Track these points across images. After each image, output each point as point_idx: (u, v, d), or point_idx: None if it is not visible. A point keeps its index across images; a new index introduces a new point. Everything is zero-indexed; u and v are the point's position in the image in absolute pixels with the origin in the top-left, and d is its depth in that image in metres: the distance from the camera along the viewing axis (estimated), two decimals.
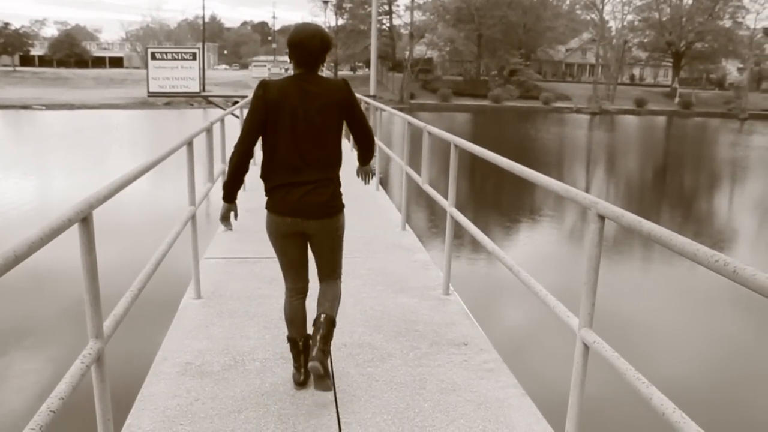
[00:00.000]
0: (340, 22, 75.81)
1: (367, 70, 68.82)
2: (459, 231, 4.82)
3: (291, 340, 3.55)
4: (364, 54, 65.52)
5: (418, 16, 72.14)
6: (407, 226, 7.26)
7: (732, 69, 78.67)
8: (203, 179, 5.81)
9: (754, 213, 19.45)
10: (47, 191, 17.70)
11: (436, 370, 3.80)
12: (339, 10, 74.34)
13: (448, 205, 4.98)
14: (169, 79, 20.21)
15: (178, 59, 20.42)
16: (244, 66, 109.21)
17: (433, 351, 4.05)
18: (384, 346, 4.10)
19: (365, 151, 3.60)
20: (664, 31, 70.91)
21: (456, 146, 4.81)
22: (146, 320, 6.04)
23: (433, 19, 71.23)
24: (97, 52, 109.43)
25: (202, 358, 3.88)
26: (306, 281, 3.57)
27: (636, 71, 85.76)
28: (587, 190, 21.43)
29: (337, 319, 4.41)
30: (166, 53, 20.78)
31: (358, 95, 13.40)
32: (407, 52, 69.01)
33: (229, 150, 7.44)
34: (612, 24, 74.39)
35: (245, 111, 10.29)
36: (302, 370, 3.53)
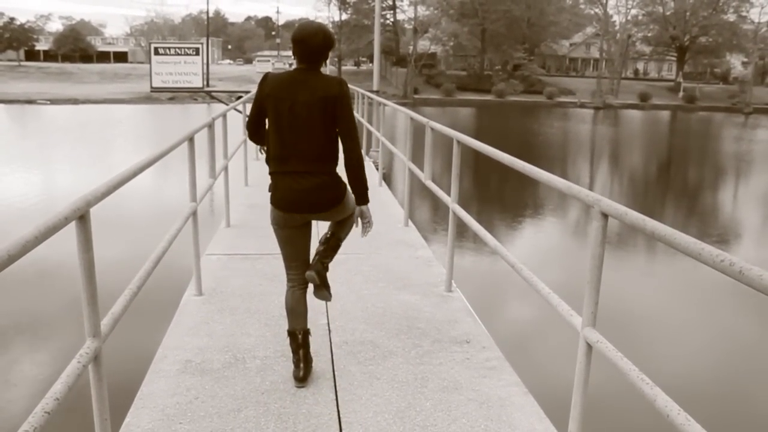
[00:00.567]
0: (344, 17, 75.70)
1: (370, 65, 68.67)
2: (463, 226, 4.78)
3: (290, 333, 3.57)
4: (368, 49, 65.44)
5: (421, 10, 71.93)
6: (410, 222, 7.23)
7: (736, 63, 78.43)
8: (206, 174, 5.78)
9: (758, 206, 19.37)
10: (52, 185, 17.71)
11: (438, 368, 3.77)
12: (342, 4, 74.21)
13: (450, 201, 4.94)
14: (172, 74, 20.14)
15: (181, 54, 20.33)
16: (248, 61, 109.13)
17: (435, 349, 4.02)
18: (386, 343, 4.07)
19: (350, 167, 3.38)
20: (668, 26, 70.66)
21: (458, 142, 4.77)
22: (148, 317, 6.02)
23: (436, 14, 71.01)
24: (102, 47, 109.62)
25: (202, 355, 3.86)
26: (304, 270, 3.59)
27: (640, 66, 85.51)
28: (591, 185, 21.39)
29: (339, 317, 4.43)
30: (169, 48, 20.69)
31: (361, 90, 13.36)
32: (411, 47, 68.83)
33: (231, 146, 7.40)
34: (616, 18, 74.34)
35: (248, 106, 10.20)
36: (301, 365, 3.52)
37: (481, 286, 9.03)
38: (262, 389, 3.47)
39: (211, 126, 5.61)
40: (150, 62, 20.50)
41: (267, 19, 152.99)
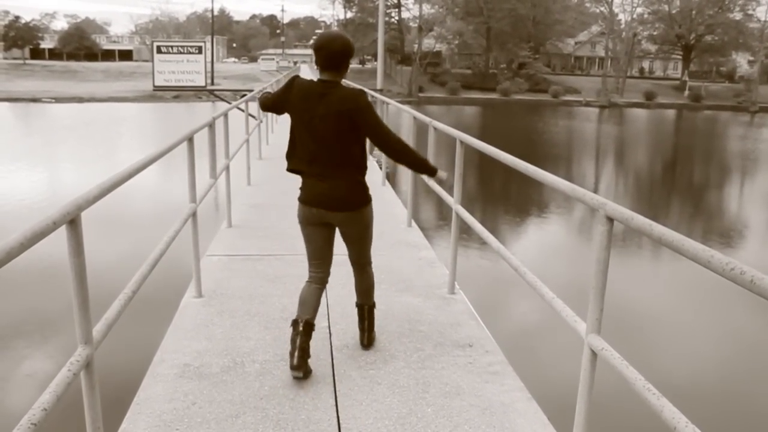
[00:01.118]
0: (349, 15, 75.65)
1: (375, 63, 68.57)
2: (468, 226, 4.70)
3: (293, 322, 3.61)
4: (373, 47, 65.28)
5: (426, 9, 71.90)
6: (413, 223, 7.17)
7: (742, 62, 78.11)
8: (207, 174, 5.72)
9: (764, 205, 19.26)
10: (57, 183, 17.71)
11: (440, 372, 3.71)
12: (347, 3, 74.26)
13: (453, 202, 4.88)
14: (174, 72, 20.12)
15: (183, 53, 20.31)
16: (253, 59, 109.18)
17: (437, 353, 3.96)
18: (387, 347, 4.01)
19: (407, 165, 3.68)
20: (674, 24, 70.43)
21: (462, 142, 4.70)
22: (148, 319, 5.98)
23: (441, 12, 70.91)
24: (107, 45, 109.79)
25: (201, 359, 3.80)
26: (327, 272, 3.82)
27: (645, 64, 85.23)
28: (596, 183, 21.29)
29: (340, 320, 4.37)
30: (171, 47, 20.68)
31: (365, 89, 13.30)
32: (416, 46, 68.73)
33: (233, 146, 7.34)
34: (621, 17, 74.14)
35: (251, 105, 10.10)
36: (295, 354, 3.51)
37: (485, 287, 8.96)
38: (260, 394, 3.41)
39: (211, 125, 5.55)
40: (153, 61, 20.50)
41: (272, 18, 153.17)
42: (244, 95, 15.81)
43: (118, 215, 13.16)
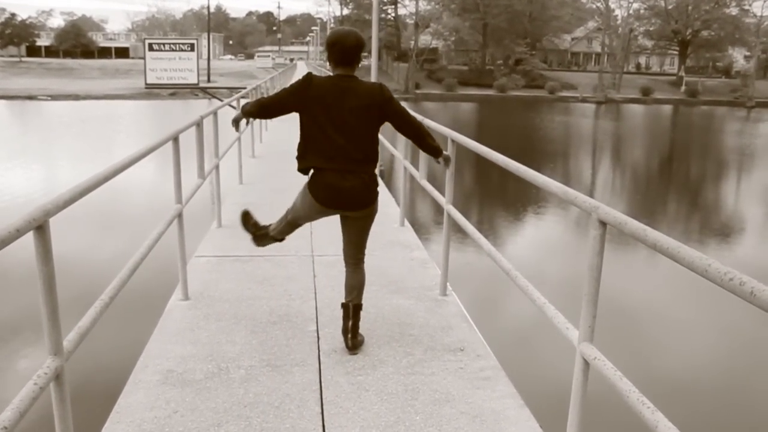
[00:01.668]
0: (345, 11, 75.44)
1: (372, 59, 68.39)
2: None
3: (263, 233, 4.13)
4: (369, 44, 64.99)
5: (423, 5, 71.64)
6: (406, 222, 7.07)
7: (739, 57, 78.03)
8: (197, 172, 5.62)
9: (759, 201, 19.19)
10: (53, 181, 17.59)
11: (430, 378, 3.61)
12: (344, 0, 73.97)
13: (445, 202, 4.78)
14: (166, 70, 20.03)
15: (176, 50, 20.21)
16: (250, 56, 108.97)
17: (427, 357, 3.86)
18: (376, 352, 3.91)
19: (424, 148, 3.91)
20: (670, 20, 70.34)
21: (453, 141, 4.60)
22: (136, 321, 5.88)
23: (438, 9, 70.73)
24: (103, 43, 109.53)
25: (184, 365, 3.70)
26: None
27: (642, 60, 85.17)
28: (592, 180, 21.21)
29: (329, 324, 4.28)
30: (163, 44, 20.60)
31: None
32: (412, 42, 68.55)
33: (222, 146, 7.23)
34: (618, 12, 73.88)
35: (242, 101, 9.98)
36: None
37: (478, 287, 8.85)
38: (245, 402, 3.31)
39: (199, 124, 5.44)
40: (144, 58, 20.40)
41: (268, 15, 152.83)
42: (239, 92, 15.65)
43: (107, 215, 13.06)
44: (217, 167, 6.61)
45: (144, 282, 6.70)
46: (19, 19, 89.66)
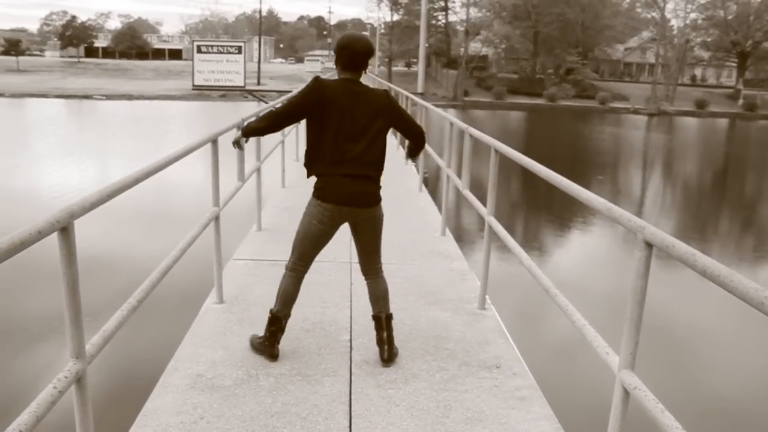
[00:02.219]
0: (395, 17, 75.57)
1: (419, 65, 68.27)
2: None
3: (275, 318, 3.74)
4: (419, 50, 65.10)
5: (474, 12, 71.33)
6: (447, 231, 6.94)
7: None
8: (237, 175, 5.60)
9: None
10: (105, 176, 17.98)
11: (463, 395, 3.49)
12: (394, 5, 74.11)
13: (486, 213, 4.66)
14: (214, 72, 20.24)
15: (223, 53, 20.40)
16: (300, 60, 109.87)
17: (461, 373, 3.74)
18: (409, 365, 3.81)
19: (417, 147, 3.96)
20: (730, 30, 68.53)
21: (496, 151, 4.48)
22: (171, 323, 5.89)
23: (489, 16, 70.28)
24: (158, 45, 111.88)
25: (214, 370, 3.66)
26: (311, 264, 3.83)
27: (697, 72, 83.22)
28: (642, 195, 20.72)
29: (363, 334, 4.18)
30: (211, 47, 20.81)
31: (405, 92, 13.10)
32: (462, 49, 68.28)
33: (265, 148, 7.21)
34: (674, 22, 72.24)
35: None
36: (276, 346, 3.76)
37: (518, 301, 8.65)
38: (272, 411, 3.25)
39: (240, 127, 5.41)
40: (192, 60, 20.66)
41: (319, 19, 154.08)
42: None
43: (148, 214, 13.23)
44: (258, 170, 6.59)
45: (184, 282, 6.75)
46: (79, 21, 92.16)
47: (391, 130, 4.05)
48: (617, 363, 2.34)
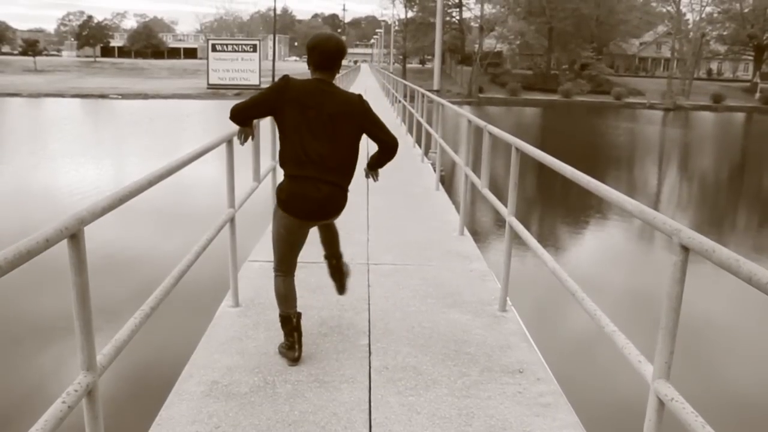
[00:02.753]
0: (410, 14, 75.38)
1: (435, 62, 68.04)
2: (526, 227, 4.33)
3: (285, 317, 3.71)
4: (433, 47, 64.67)
5: (488, 8, 70.98)
6: (465, 231, 6.83)
7: None
8: (252, 175, 5.52)
9: None
10: (122, 177, 18.04)
11: (486, 402, 3.39)
12: (409, 2, 73.92)
13: (507, 213, 4.54)
14: (229, 71, 20.23)
15: (238, 51, 20.37)
16: None
17: (483, 379, 3.63)
18: (430, 371, 3.70)
19: (383, 158, 3.74)
20: (746, 23, 67.80)
21: (518, 150, 4.36)
22: (186, 325, 5.82)
23: (503, 12, 69.94)
24: (173, 44, 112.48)
25: (230, 376, 3.58)
26: (296, 263, 3.80)
27: (713, 66, 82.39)
28: (658, 190, 20.48)
29: (382, 338, 4.10)
30: (227, 45, 20.84)
31: (421, 90, 12.97)
32: (477, 46, 67.98)
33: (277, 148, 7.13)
34: (689, 16, 71.64)
35: None
36: (296, 347, 3.68)
37: (539, 302, 8.50)
38: (289, 420, 3.16)
39: (255, 126, 5.33)
40: (207, 59, 20.64)
41: (334, 17, 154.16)
42: None
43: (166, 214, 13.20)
44: (273, 170, 6.51)
45: (197, 283, 6.67)
46: (95, 21, 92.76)
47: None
48: (651, 372, 2.23)
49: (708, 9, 69.86)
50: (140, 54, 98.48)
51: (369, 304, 4.71)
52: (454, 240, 6.57)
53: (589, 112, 51.48)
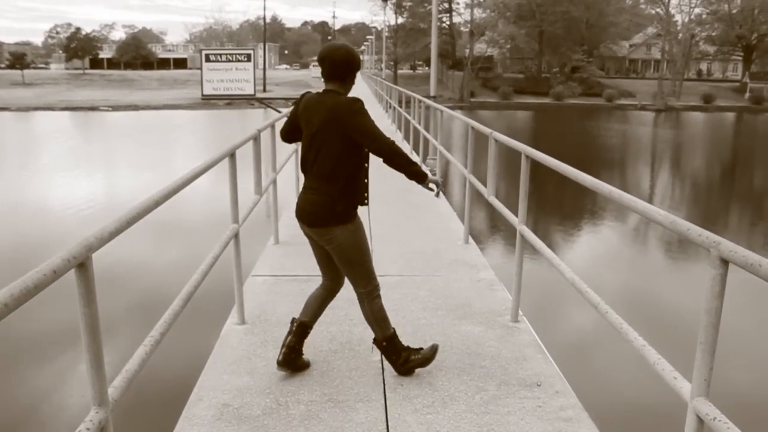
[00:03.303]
0: (400, 20, 75.43)
1: (427, 68, 68.20)
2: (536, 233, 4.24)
3: (293, 324, 3.71)
4: (424, 52, 64.86)
5: (478, 13, 71.20)
6: (470, 239, 6.73)
7: None
8: (254, 188, 5.41)
9: None
10: (116, 190, 17.89)
11: (506, 418, 3.28)
12: (399, 8, 73.95)
13: (517, 222, 4.45)
14: (223, 81, 20.03)
15: (232, 61, 20.19)
16: (305, 65, 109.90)
17: (501, 393, 3.53)
18: (446, 386, 3.60)
19: (399, 169, 3.51)
20: (735, 24, 68.20)
21: (527, 157, 4.27)
22: (194, 346, 5.70)
23: (493, 17, 70.11)
24: (162, 54, 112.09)
25: (241, 398, 3.46)
26: (332, 280, 3.76)
27: (703, 66, 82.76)
28: (651, 191, 20.46)
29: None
30: (220, 55, 20.63)
31: (417, 96, 12.89)
32: (467, 50, 68.08)
33: (279, 159, 7.03)
34: (678, 18, 71.96)
35: None
36: (282, 351, 3.66)
37: (548, 312, 8.38)
38: None
39: (256, 138, 5.24)
40: (201, 69, 20.48)
41: (323, 24, 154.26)
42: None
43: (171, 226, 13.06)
44: (274, 182, 6.41)
45: (200, 300, 6.55)
46: (83, 33, 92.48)
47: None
48: (688, 390, 2.13)
49: (697, 10, 70.36)
50: (130, 65, 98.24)
51: None
52: (460, 249, 6.47)
53: (581, 114, 51.57)
